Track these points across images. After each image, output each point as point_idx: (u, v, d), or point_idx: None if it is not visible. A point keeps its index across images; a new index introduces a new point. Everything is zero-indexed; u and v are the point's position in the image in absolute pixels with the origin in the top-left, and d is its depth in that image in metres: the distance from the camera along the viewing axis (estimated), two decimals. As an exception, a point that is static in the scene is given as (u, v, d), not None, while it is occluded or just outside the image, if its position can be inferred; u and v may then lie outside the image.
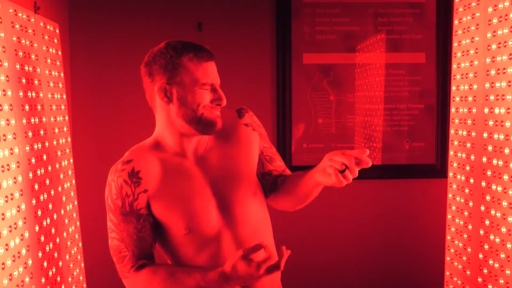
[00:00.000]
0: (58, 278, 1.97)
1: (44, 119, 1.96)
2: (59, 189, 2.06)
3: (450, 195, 2.21)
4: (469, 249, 2.03)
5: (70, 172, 2.23)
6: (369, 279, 2.94)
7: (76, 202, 2.29)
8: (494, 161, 1.84)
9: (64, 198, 2.11)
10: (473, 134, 2.00)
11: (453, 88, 2.19)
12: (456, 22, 2.16)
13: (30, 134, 1.80)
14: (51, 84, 2.09)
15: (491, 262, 1.86)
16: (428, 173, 2.92)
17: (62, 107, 2.21)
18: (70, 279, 2.12)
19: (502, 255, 1.79)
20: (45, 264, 1.85)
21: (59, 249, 2.00)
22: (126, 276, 1.60)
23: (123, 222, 1.53)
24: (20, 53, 1.79)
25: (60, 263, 2.01)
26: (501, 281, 1.79)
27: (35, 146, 1.84)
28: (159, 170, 1.53)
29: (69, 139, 2.26)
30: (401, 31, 2.88)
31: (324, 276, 2.91)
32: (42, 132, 1.92)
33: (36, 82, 1.91)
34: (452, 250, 2.19)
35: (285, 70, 2.83)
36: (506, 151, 1.76)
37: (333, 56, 2.87)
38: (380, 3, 2.86)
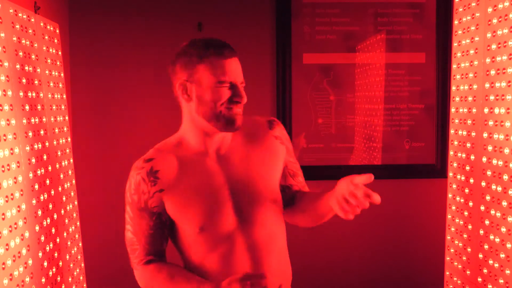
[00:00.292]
0: (58, 278, 1.97)
1: (44, 119, 1.96)
2: (59, 189, 2.06)
3: (450, 195, 2.21)
4: (469, 249, 2.03)
5: (70, 172, 2.23)
6: (369, 279, 2.94)
7: (76, 202, 2.29)
8: (494, 161, 1.84)
9: (64, 198, 2.11)
10: (473, 134, 2.00)
11: (453, 88, 2.19)
12: (456, 22, 2.16)
13: (30, 134, 1.80)
14: (51, 84, 2.09)
15: (491, 262, 1.87)
16: (428, 173, 2.92)
17: (62, 107, 2.21)
18: (70, 279, 2.13)
19: (502, 255, 1.79)
20: (45, 264, 1.85)
21: (59, 249, 2.00)
22: (135, 268, 1.65)
23: (137, 217, 1.56)
24: (20, 53, 1.79)
25: (60, 263, 2.01)
26: (501, 281, 1.80)
27: (35, 146, 1.84)
28: (178, 170, 1.54)
29: (69, 139, 2.26)
30: (401, 31, 2.88)
31: (324, 276, 2.91)
32: (42, 132, 1.92)
33: (36, 82, 1.91)
34: (452, 250, 2.19)
35: (285, 70, 2.83)
36: (506, 151, 1.76)
37: (333, 56, 2.87)
38: (380, 3, 2.86)
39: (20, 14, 1.82)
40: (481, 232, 1.92)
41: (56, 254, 1.96)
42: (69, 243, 2.14)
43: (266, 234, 1.57)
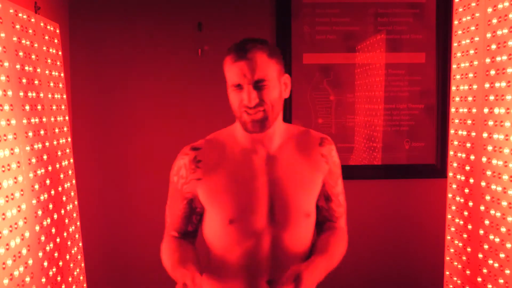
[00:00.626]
0: (58, 278, 1.98)
1: (44, 119, 1.96)
2: (59, 189, 2.06)
3: (450, 195, 2.21)
4: (468, 249, 2.03)
5: (70, 172, 2.23)
6: (369, 279, 2.94)
7: (76, 202, 2.29)
8: (494, 161, 1.84)
9: (64, 198, 2.11)
10: (473, 134, 2.00)
11: (453, 88, 2.20)
12: (456, 22, 2.16)
13: (30, 134, 1.81)
14: (51, 84, 2.09)
15: (490, 262, 1.87)
16: (428, 173, 2.92)
17: (62, 107, 2.21)
18: (70, 279, 2.13)
19: (502, 255, 1.79)
20: (45, 264, 1.85)
21: (59, 249, 2.00)
22: (163, 238, 1.73)
23: (172, 196, 1.66)
24: (21, 53, 1.79)
25: (60, 263, 2.01)
26: (501, 281, 1.80)
27: (35, 146, 1.85)
28: (221, 161, 1.59)
29: (69, 139, 2.26)
30: (401, 31, 2.88)
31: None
32: (42, 132, 1.92)
33: (36, 82, 1.92)
34: (452, 250, 2.19)
35: (285, 70, 2.83)
36: (506, 151, 1.76)
37: (333, 56, 2.87)
38: (380, 3, 2.86)
39: (20, 14, 1.82)
40: (481, 232, 1.93)
41: (56, 254, 1.96)
42: (69, 243, 2.14)
43: (293, 241, 1.58)
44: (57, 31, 2.25)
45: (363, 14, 2.86)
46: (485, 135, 1.90)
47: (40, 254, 1.81)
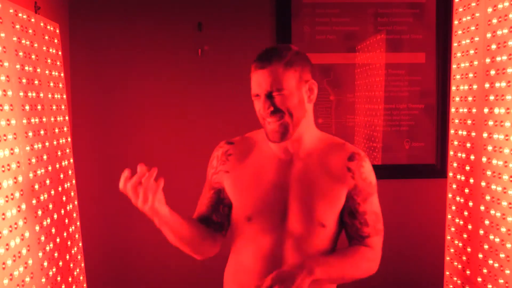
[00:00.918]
0: (58, 278, 1.98)
1: (44, 119, 1.96)
2: (59, 189, 2.06)
3: (450, 195, 2.21)
4: (468, 249, 2.03)
5: (70, 172, 2.23)
6: (369, 279, 2.93)
7: (76, 202, 2.29)
8: (494, 161, 1.84)
9: (64, 198, 2.11)
10: (473, 134, 2.00)
11: (453, 88, 2.19)
12: (456, 22, 2.16)
13: (30, 134, 1.81)
14: (51, 84, 2.09)
15: (490, 262, 1.87)
16: (428, 173, 2.92)
17: (62, 107, 2.21)
18: (70, 279, 2.13)
19: (502, 255, 1.79)
20: (45, 264, 1.85)
21: (59, 249, 2.00)
22: None
23: (205, 184, 1.74)
24: (21, 53, 1.79)
25: (60, 263, 2.01)
26: (501, 281, 1.80)
27: (35, 146, 1.84)
28: (249, 159, 1.65)
29: (69, 139, 2.26)
30: (401, 31, 2.88)
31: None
32: (42, 132, 1.92)
33: (36, 82, 1.91)
34: (452, 250, 2.19)
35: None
36: (506, 151, 1.76)
37: (333, 56, 2.87)
38: (380, 3, 2.86)
39: (20, 14, 1.82)
40: (481, 232, 1.92)
41: (56, 254, 1.96)
42: (69, 243, 2.14)
43: (306, 248, 1.59)
44: (57, 31, 2.25)
45: (363, 14, 2.86)
46: (485, 135, 1.90)
47: (40, 254, 1.81)
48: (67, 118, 2.26)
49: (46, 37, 2.09)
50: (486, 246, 1.90)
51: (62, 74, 2.24)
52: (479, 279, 1.94)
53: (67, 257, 2.10)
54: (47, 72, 2.06)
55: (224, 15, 2.82)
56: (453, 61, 2.19)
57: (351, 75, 2.89)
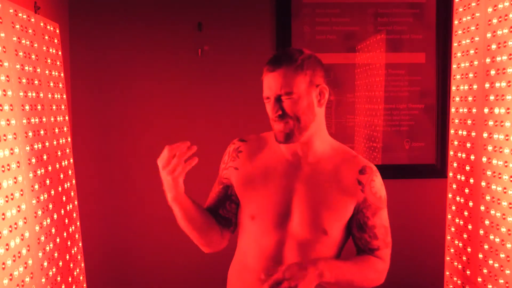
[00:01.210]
0: (58, 278, 1.97)
1: (44, 119, 1.96)
2: (59, 189, 2.06)
3: (450, 195, 2.21)
4: (469, 249, 2.03)
5: (70, 172, 2.23)
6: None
7: (76, 202, 2.29)
8: (494, 161, 1.84)
9: (64, 198, 2.11)
10: (473, 134, 2.00)
11: (453, 88, 2.19)
12: (456, 22, 2.16)
13: (30, 134, 1.80)
14: (51, 84, 2.09)
15: (491, 262, 1.87)
16: (428, 173, 2.92)
17: (62, 107, 2.21)
18: (70, 279, 2.13)
19: (502, 255, 1.79)
20: (45, 264, 1.85)
21: (59, 249, 2.00)
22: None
23: (217, 178, 1.75)
24: (20, 53, 1.79)
25: (60, 263, 2.01)
26: (501, 281, 1.79)
27: (35, 146, 1.84)
28: (259, 159, 1.66)
29: (69, 139, 2.26)
30: (401, 31, 2.88)
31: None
32: (42, 132, 1.92)
33: (36, 82, 1.91)
34: (452, 250, 2.19)
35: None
36: (506, 151, 1.76)
37: (333, 56, 2.87)
38: (380, 3, 2.86)
39: (20, 14, 1.82)
40: (481, 232, 1.92)
41: (56, 254, 1.96)
42: (69, 243, 2.14)
43: (307, 254, 1.59)
44: (57, 31, 2.25)
45: (363, 14, 2.86)
46: (485, 135, 1.90)
47: (40, 254, 1.81)
48: (67, 118, 2.26)
49: (46, 37, 2.09)
50: (486, 246, 1.90)
51: (62, 74, 2.24)
52: (479, 279, 1.94)
53: (67, 257, 2.10)
54: (47, 72, 2.06)
55: (224, 15, 2.82)
56: (453, 61, 2.19)
57: (351, 75, 2.89)
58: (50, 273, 1.89)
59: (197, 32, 2.81)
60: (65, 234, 2.09)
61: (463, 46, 2.10)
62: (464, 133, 2.08)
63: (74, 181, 2.28)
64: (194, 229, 1.61)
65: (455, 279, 2.15)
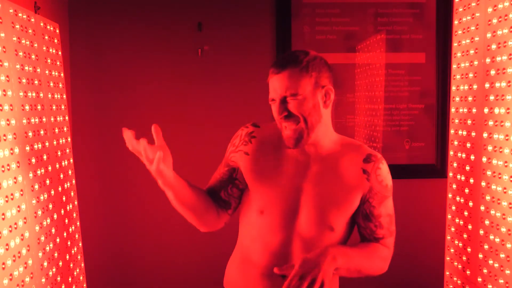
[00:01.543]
0: (58, 278, 1.97)
1: (44, 119, 1.96)
2: (59, 189, 2.06)
3: (450, 195, 2.21)
4: (469, 249, 2.03)
5: (70, 172, 2.23)
6: (369, 279, 2.93)
7: (76, 202, 2.29)
8: (494, 161, 1.84)
9: (64, 198, 2.11)
10: (473, 134, 2.00)
11: (453, 88, 2.19)
12: (456, 22, 2.16)
13: (30, 134, 1.80)
14: (51, 84, 2.09)
15: (491, 262, 1.87)
16: (428, 173, 2.92)
17: (62, 107, 2.21)
18: (70, 279, 2.13)
19: (502, 255, 1.79)
20: (45, 264, 1.85)
21: (59, 249, 2.00)
22: None
23: (224, 158, 1.73)
24: (20, 53, 1.79)
25: (60, 263, 2.01)
26: (501, 281, 1.79)
27: (35, 146, 1.84)
28: (271, 150, 1.64)
29: (69, 139, 2.26)
30: (401, 31, 2.88)
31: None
32: (42, 132, 1.92)
33: (36, 82, 1.91)
34: (452, 250, 2.19)
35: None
36: (506, 151, 1.76)
37: (333, 56, 2.87)
38: (380, 3, 2.86)
39: (20, 14, 1.82)
40: (481, 232, 1.92)
41: (56, 254, 1.96)
42: (69, 243, 2.14)
43: (312, 250, 1.58)
44: (57, 31, 2.25)
45: (363, 14, 2.86)
46: (485, 135, 1.90)
47: (40, 254, 1.81)
48: (67, 118, 2.26)
49: (46, 37, 2.09)
50: (486, 246, 1.90)
51: (62, 74, 2.24)
52: (479, 279, 1.94)
53: (67, 257, 2.10)
54: (47, 72, 2.05)
55: (224, 15, 2.82)
56: (453, 61, 2.19)
57: (351, 75, 2.89)
58: (50, 273, 1.89)
59: (197, 32, 2.81)
60: (65, 234, 2.09)
61: (463, 46, 2.10)
62: (464, 133, 2.08)
63: (74, 181, 2.28)
64: (188, 209, 1.60)
65: (455, 279, 2.15)
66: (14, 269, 1.59)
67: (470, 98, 2.03)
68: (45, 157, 1.93)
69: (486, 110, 1.90)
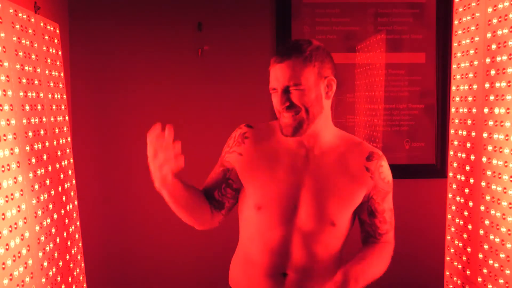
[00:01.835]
0: (58, 278, 1.97)
1: (44, 119, 1.96)
2: (59, 189, 2.06)
3: (450, 195, 2.21)
4: (469, 249, 2.03)
5: (70, 172, 2.23)
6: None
7: (76, 202, 2.29)
8: (494, 161, 1.84)
9: (64, 198, 2.11)
10: (473, 134, 2.00)
11: (453, 88, 2.19)
12: (456, 22, 2.16)
13: (30, 134, 1.80)
14: (51, 84, 2.09)
15: (491, 262, 1.87)
16: (428, 173, 2.92)
17: (62, 107, 2.21)
18: (70, 279, 2.13)
19: (502, 255, 1.79)
20: (45, 264, 1.85)
21: (59, 249, 2.00)
22: None
23: (219, 159, 1.73)
24: (20, 53, 1.79)
25: (60, 263, 2.01)
26: (501, 281, 1.79)
27: (35, 146, 1.84)
28: (265, 147, 1.63)
29: (69, 139, 2.26)
30: (401, 31, 2.88)
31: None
32: (42, 132, 1.92)
33: (36, 82, 1.91)
34: (452, 250, 2.19)
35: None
36: (506, 151, 1.76)
37: (333, 56, 2.85)
38: (380, 3, 2.86)
39: (20, 14, 1.82)
40: (481, 232, 1.92)
41: (56, 254, 1.96)
42: (69, 243, 2.14)
43: (314, 245, 1.60)
44: (57, 31, 2.25)
45: (363, 14, 2.86)
46: (485, 135, 1.90)
47: (40, 254, 1.81)
48: (67, 118, 2.26)
49: (46, 37, 2.09)
50: (486, 246, 1.90)
51: (62, 74, 2.24)
52: (479, 279, 1.94)
53: (67, 257, 2.10)
54: (47, 72, 2.06)
55: (224, 15, 2.82)
56: (453, 61, 2.19)
57: (351, 75, 2.89)
58: (50, 273, 1.89)
59: (197, 32, 2.81)
60: (65, 234, 2.09)
61: (463, 46, 2.10)
62: (464, 133, 2.08)
63: (74, 181, 2.28)
64: (182, 208, 1.60)
65: (455, 279, 2.15)
66: (14, 269, 1.59)
67: (470, 98, 2.03)
68: (45, 157, 1.93)
69: (486, 110, 1.90)
